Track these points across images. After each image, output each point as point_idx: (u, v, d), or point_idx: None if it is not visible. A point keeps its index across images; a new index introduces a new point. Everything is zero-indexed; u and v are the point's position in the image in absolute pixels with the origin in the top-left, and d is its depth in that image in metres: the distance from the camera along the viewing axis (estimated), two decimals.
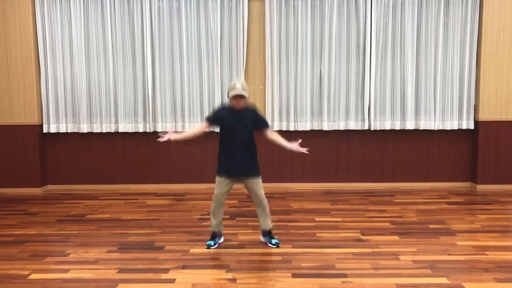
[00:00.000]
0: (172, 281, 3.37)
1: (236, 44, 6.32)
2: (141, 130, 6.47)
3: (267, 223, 4.14)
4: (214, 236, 4.16)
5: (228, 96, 3.93)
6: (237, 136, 4.02)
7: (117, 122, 6.48)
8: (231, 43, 6.34)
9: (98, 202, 5.83)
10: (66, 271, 3.59)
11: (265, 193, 6.14)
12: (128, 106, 6.45)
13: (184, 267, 3.62)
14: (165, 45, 6.34)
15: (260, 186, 4.14)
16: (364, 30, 6.27)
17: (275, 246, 4.07)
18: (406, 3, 6.22)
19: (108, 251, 4.02)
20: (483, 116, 6.26)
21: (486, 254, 3.86)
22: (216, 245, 4.11)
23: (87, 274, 3.52)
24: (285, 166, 6.55)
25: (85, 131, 6.49)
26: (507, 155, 6.30)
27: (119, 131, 6.48)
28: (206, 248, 4.06)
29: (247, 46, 6.33)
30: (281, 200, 5.83)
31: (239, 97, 3.86)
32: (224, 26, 6.31)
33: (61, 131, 6.49)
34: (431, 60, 6.29)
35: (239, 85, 3.83)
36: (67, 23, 6.35)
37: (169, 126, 6.43)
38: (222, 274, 3.48)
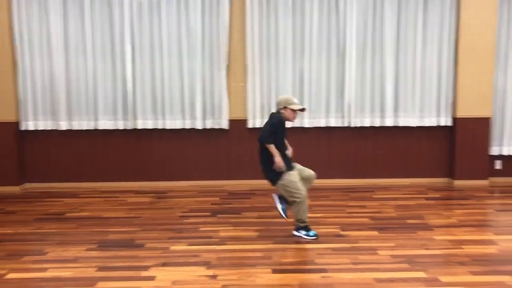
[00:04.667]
0: (152, 278, 3.36)
1: (217, 40, 6.31)
2: (121, 127, 6.41)
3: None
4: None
5: (283, 107, 4.16)
6: (283, 143, 4.26)
7: (97, 119, 6.41)
8: (212, 39, 6.32)
9: (78, 200, 5.77)
10: (45, 270, 3.55)
11: (248, 190, 6.21)
12: (108, 102, 6.39)
13: (164, 265, 3.61)
14: (145, 40, 6.29)
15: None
16: (344, 28, 6.32)
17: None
18: (386, 2, 6.28)
19: (88, 249, 3.98)
20: (461, 113, 6.37)
21: (462, 248, 3.94)
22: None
23: (66, 272, 3.49)
24: None
25: (64, 128, 6.40)
26: (483, 151, 6.43)
27: (99, 128, 6.42)
28: (316, 238, 4.11)
29: (228, 43, 6.32)
30: (262, 197, 5.85)
31: (302, 110, 4.22)
32: (205, 22, 6.29)
33: (39, 128, 6.39)
34: (410, 58, 6.38)
35: (297, 101, 4.22)
36: (44, 17, 6.24)
37: (149, 123, 6.40)
38: (203, 271, 3.49)
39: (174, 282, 3.29)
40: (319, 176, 6.59)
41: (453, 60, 6.39)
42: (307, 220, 4.19)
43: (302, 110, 4.24)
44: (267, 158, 4.15)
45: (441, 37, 6.36)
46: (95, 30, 6.27)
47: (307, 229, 4.21)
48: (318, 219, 4.83)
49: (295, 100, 4.19)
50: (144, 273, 3.46)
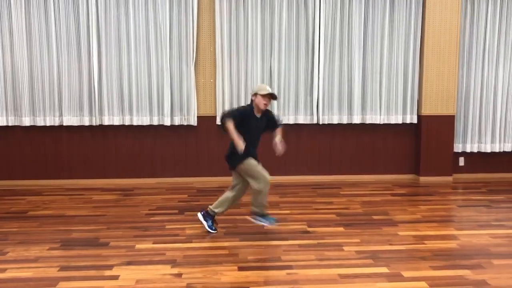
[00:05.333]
0: (115, 277, 3.31)
1: (185, 36, 6.24)
2: (87, 123, 6.27)
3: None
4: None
5: (255, 94, 4.09)
6: (252, 138, 4.17)
7: (62, 115, 6.25)
8: (180, 34, 6.25)
9: (41, 198, 5.62)
10: (3, 270, 3.43)
11: (217, 187, 6.18)
12: (73, 98, 6.24)
13: (128, 263, 3.56)
14: (112, 35, 6.17)
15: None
16: (313, 26, 6.36)
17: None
18: (353, 1, 6.34)
19: (50, 249, 3.88)
20: (426, 111, 6.51)
21: (424, 243, 4.03)
22: None
23: (26, 273, 3.39)
24: None
25: (28, 124, 6.22)
26: (447, 148, 6.60)
27: (64, 124, 6.26)
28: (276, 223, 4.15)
29: (196, 39, 6.26)
30: None
31: (272, 97, 4.10)
32: (173, 17, 6.21)
33: (1, 124, 6.19)
34: (377, 56, 6.47)
35: (270, 88, 4.10)
36: (6, 9, 6.03)
37: (116, 120, 6.28)
38: (168, 269, 3.45)
39: (137, 281, 3.24)
40: (287, 173, 6.66)
41: (419, 59, 6.52)
42: (265, 206, 4.20)
43: (272, 96, 4.12)
44: (231, 144, 4.11)
45: (407, 36, 6.47)
46: (60, 23, 6.10)
47: (266, 216, 4.21)
48: (285, 216, 4.85)
49: (267, 87, 4.11)
50: (107, 272, 3.39)
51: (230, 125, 3.96)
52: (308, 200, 5.56)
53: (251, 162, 4.13)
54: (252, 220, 4.24)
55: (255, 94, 4.12)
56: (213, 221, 4.33)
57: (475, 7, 6.52)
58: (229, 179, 6.46)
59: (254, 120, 4.15)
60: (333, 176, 6.69)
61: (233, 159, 4.17)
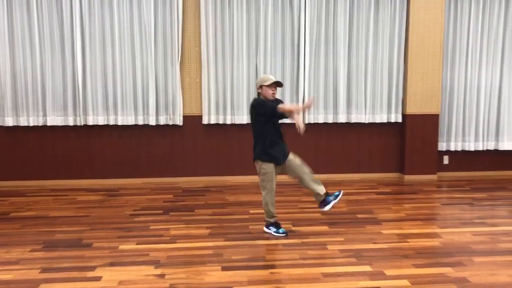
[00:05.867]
0: (98, 279, 3.28)
1: (170, 35, 6.21)
2: (71, 123, 6.22)
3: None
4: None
5: (260, 86, 4.07)
6: (276, 125, 4.15)
7: (45, 115, 6.19)
8: (165, 33, 6.21)
9: (25, 199, 5.56)
10: None
11: (203, 187, 6.17)
12: (57, 98, 6.18)
13: (111, 264, 3.54)
14: (96, 33, 6.11)
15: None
16: (298, 25, 6.37)
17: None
18: (339, 0, 6.37)
19: (32, 250, 3.84)
20: (410, 110, 6.56)
21: (407, 242, 4.07)
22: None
23: (7, 275, 3.35)
24: (222, 160, 6.54)
25: (11, 124, 6.15)
26: (432, 146, 6.66)
27: (48, 124, 6.20)
28: (285, 235, 4.11)
29: (182, 38, 6.24)
30: (217, 193, 5.83)
31: (278, 84, 4.06)
32: (158, 16, 6.17)
33: None
34: (362, 56, 6.50)
35: (273, 76, 4.09)
36: None
37: (100, 120, 6.23)
38: (151, 270, 3.44)
39: (120, 282, 3.22)
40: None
41: (403, 59, 6.56)
42: (275, 214, 4.23)
43: (278, 84, 4.10)
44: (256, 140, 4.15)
45: (392, 36, 6.51)
46: (43, 22, 6.04)
47: (277, 225, 4.23)
48: None
49: (270, 77, 4.08)
50: (90, 274, 3.37)
51: (282, 106, 3.94)
52: (293, 199, 5.57)
53: (267, 169, 4.12)
54: (265, 229, 4.32)
55: (260, 87, 4.09)
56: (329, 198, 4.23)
57: (458, 7, 6.58)
58: (215, 179, 6.50)
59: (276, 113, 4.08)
60: (319, 175, 6.67)
61: (255, 154, 4.18)
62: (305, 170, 4.21)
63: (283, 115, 4.05)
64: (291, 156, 4.23)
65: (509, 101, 6.78)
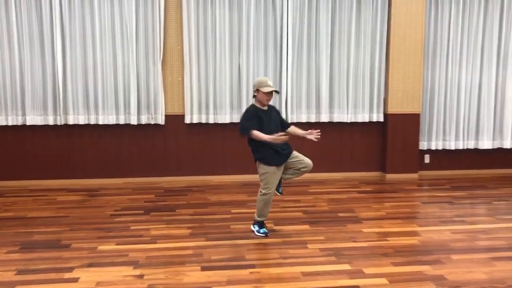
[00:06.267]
0: (75, 280, 3.24)
1: (152, 33, 6.16)
2: (51, 122, 6.13)
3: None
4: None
5: (257, 90, 4.03)
6: (270, 132, 4.01)
7: (25, 115, 6.10)
8: (147, 32, 6.17)
9: (3, 200, 5.47)
10: None
11: (185, 187, 6.14)
12: (37, 97, 6.09)
13: (90, 265, 3.50)
14: (76, 31, 6.04)
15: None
16: (281, 24, 6.37)
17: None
18: (321, 0, 6.41)
19: (8, 252, 3.78)
20: (392, 109, 6.62)
21: (387, 240, 4.10)
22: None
23: None
24: (205, 159, 6.52)
25: None
26: (413, 146, 6.72)
27: (27, 124, 6.11)
28: (265, 236, 4.11)
29: (164, 36, 6.19)
30: (199, 193, 5.80)
31: (273, 93, 4.06)
32: (139, 14, 6.12)
33: None
34: (344, 56, 6.53)
35: (271, 82, 4.05)
36: None
37: (81, 119, 6.16)
38: (129, 270, 3.41)
39: (98, 283, 3.19)
40: (256, 171, 6.63)
41: (385, 59, 6.61)
42: (266, 216, 4.21)
43: (276, 92, 4.13)
44: (253, 141, 4.09)
45: (374, 36, 6.55)
46: (22, 20, 5.94)
47: (261, 225, 4.23)
48: (252, 214, 4.82)
49: (269, 82, 4.04)
50: (67, 275, 3.32)
51: (257, 134, 3.93)
52: (276, 198, 5.47)
53: (266, 170, 4.09)
54: (251, 227, 4.34)
55: (257, 90, 4.06)
56: None
57: (439, 8, 6.65)
58: (197, 179, 6.47)
59: (264, 115, 4.08)
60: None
61: (256, 156, 4.16)
62: (307, 163, 4.22)
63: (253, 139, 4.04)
64: (295, 154, 4.21)
65: (488, 100, 6.88)
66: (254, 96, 4.15)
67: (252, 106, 4.16)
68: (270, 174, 4.08)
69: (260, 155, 4.10)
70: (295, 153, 4.21)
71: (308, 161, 4.21)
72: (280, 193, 4.32)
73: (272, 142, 3.91)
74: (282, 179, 4.29)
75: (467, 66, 6.78)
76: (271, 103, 4.23)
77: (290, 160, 4.16)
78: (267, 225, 4.41)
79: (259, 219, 4.23)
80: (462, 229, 4.43)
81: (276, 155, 4.07)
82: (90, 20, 6.05)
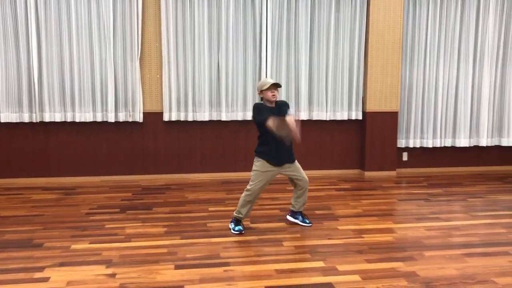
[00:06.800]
0: (45, 280, 3.19)
1: (130, 29, 6.10)
2: (26, 120, 6.03)
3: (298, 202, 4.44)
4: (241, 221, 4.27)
5: (260, 91, 4.09)
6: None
7: None
8: (124, 28, 6.09)
9: None
10: None
11: (163, 185, 6.10)
12: (11, 94, 5.97)
13: (61, 265, 3.44)
14: (52, 26, 5.94)
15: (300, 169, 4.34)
16: (260, 21, 6.36)
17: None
18: None
19: None
20: (370, 108, 6.66)
21: (362, 237, 4.13)
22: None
23: None
24: (184, 157, 6.48)
25: None
26: (391, 143, 6.78)
27: (1, 121, 5.99)
28: (238, 233, 4.12)
29: (141, 33, 6.13)
30: (177, 191, 5.76)
31: (277, 86, 4.05)
32: (117, 10, 6.04)
33: None
34: (323, 54, 6.55)
35: (271, 79, 4.13)
36: None
37: (57, 116, 6.07)
38: (102, 269, 3.37)
39: (69, 283, 3.14)
40: (236, 169, 6.66)
41: (363, 57, 6.65)
42: (244, 215, 4.20)
43: (276, 85, 4.08)
44: (261, 137, 4.18)
45: (352, 35, 6.59)
46: None
47: (237, 223, 4.22)
48: (230, 213, 4.81)
49: (268, 80, 4.08)
50: (37, 275, 3.27)
51: (270, 122, 3.83)
52: None
53: (257, 168, 4.16)
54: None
55: (261, 92, 4.10)
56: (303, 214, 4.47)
57: (416, 7, 6.71)
58: (176, 177, 6.43)
59: (271, 112, 4.04)
60: None
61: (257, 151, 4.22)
62: (305, 178, 4.33)
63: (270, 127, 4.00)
64: (295, 164, 4.28)
65: (465, 99, 6.97)
66: (261, 99, 4.20)
67: (260, 103, 4.20)
68: (260, 172, 4.13)
69: (261, 149, 4.17)
70: (297, 165, 4.28)
71: (305, 180, 4.32)
72: (308, 223, 4.42)
73: (273, 124, 3.84)
74: (299, 211, 4.45)
75: (444, 64, 6.86)
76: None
77: (289, 171, 4.24)
78: (244, 222, 4.40)
79: (236, 215, 4.23)
80: (436, 225, 4.48)
81: (276, 155, 4.12)
82: (67, 15, 5.96)
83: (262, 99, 4.20)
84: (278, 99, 4.16)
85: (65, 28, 5.97)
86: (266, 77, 6.42)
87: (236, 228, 4.19)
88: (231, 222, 4.31)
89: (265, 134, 4.05)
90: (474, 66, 6.94)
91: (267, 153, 4.14)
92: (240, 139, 6.61)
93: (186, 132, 6.44)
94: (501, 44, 6.93)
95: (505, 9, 6.86)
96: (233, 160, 6.66)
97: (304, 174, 4.31)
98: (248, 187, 4.19)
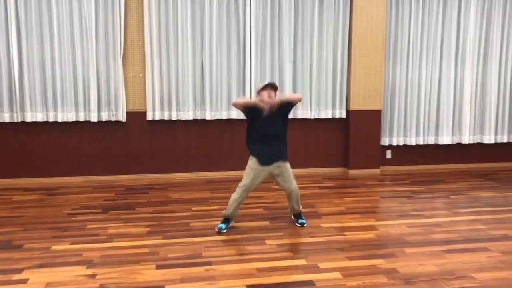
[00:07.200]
0: (24, 281, 3.15)
1: (112, 28, 6.04)
2: (7, 120, 5.95)
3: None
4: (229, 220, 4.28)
5: (257, 93, 4.18)
6: (264, 126, 4.19)
7: None
8: (107, 26, 6.04)
9: None
10: None
11: (147, 185, 6.07)
12: None
13: (41, 266, 3.41)
14: (33, 24, 5.85)
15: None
16: (244, 21, 6.35)
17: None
18: None
19: None
20: (354, 106, 6.70)
21: (344, 235, 4.15)
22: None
23: None
24: (168, 157, 6.45)
25: None
26: (375, 141, 6.82)
27: None
28: (219, 232, 4.14)
29: (124, 31, 6.09)
30: (161, 191, 5.74)
31: (270, 87, 4.08)
32: (99, 7, 5.98)
33: None
34: (307, 53, 6.57)
35: (268, 81, 4.26)
36: None
37: (39, 116, 6.00)
38: (82, 270, 3.34)
39: (47, 284, 3.11)
40: (220, 168, 6.65)
41: (347, 56, 6.68)
42: (230, 212, 4.23)
43: (270, 86, 4.12)
44: (247, 138, 4.29)
45: (336, 33, 6.61)
46: None
47: (223, 220, 4.26)
48: (213, 212, 4.83)
49: (265, 82, 4.21)
50: (16, 276, 3.23)
51: (236, 100, 4.22)
52: None
53: (249, 165, 4.21)
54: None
55: (258, 93, 4.19)
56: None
57: (399, 6, 6.76)
58: (160, 176, 6.40)
59: (261, 115, 4.12)
60: None
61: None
62: (294, 188, 4.29)
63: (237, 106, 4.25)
64: (286, 168, 4.25)
65: (448, 97, 7.04)
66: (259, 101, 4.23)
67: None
68: (250, 169, 4.18)
69: (250, 147, 4.26)
70: (287, 167, 4.26)
71: (293, 186, 4.26)
72: (302, 224, 4.41)
73: (245, 102, 4.13)
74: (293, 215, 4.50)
75: (427, 63, 6.92)
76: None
77: (277, 175, 4.22)
78: None
79: (224, 212, 4.29)
80: (418, 222, 4.52)
81: (263, 153, 4.15)
82: (48, 14, 5.88)
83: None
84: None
85: (46, 26, 5.90)
86: (250, 76, 6.42)
87: (219, 226, 4.22)
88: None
89: (250, 129, 4.19)
90: (456, 65, 7.02)
91: (253, 151, 4.22)
92: (224, 139, 6.60)
93: (170, 132, 6.42)
94: (482, 42, 7.02)
95: (485, 7, 6.95)
96: (217, 160, 6.64)
97: (291, 184, 4.25)
98: (240, 184, 4.25)
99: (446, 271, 3.37)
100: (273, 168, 4.18)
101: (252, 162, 4.19)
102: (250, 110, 4.15)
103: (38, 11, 5.86)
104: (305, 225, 4.36)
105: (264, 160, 4.16)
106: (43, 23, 5.89)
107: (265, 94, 4.10)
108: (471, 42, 6.96)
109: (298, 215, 4.44)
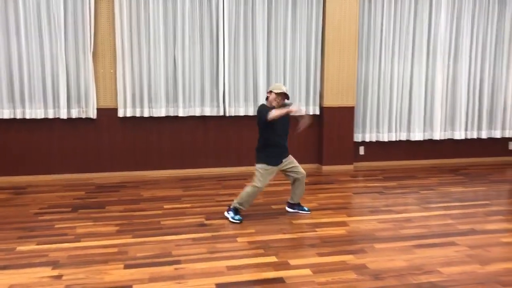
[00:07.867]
0: None
1: (82, 21, 5.91)
2: None
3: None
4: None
5: (270, 91, 4.33)
6: (276, 129, 4.39)
7: None
8: (76, 20, 5.90)
9: None
10: None
11: (118, 183, 5.97)
12: None
13: (4, 268, 3.31)
14: None
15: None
16: (216, 15, 6.30)
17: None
18: None
19: None
20: (327, 103, 6.73)
21: (316, 231, 4.16)
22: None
23: None
24: (140, 154, 6.36)
25: None
26: (348, 138, 6.87)
27: None
28: (239, 222, 4.31)
29: (94, 26, 5.96)
30: (132, 189, 5.65)
31: (284, 95, 4.30)
32: (67, 2, 5.85)
33: None
34: (280, 50, 6.56)
35: (285, 88, 4.34)
36: None
37: (6, 113, 5.83)
38: (48, 271, 3.26)
39: (11, 286, 3.02)
40: (194, 166, 6.59)
41: (320, 53, 6.70)
42: (244, 207, 4.42)
43: (286, 96, 4.32)
44: (260, 144, 4.46)
45: (309, 30, 6.62)
46: None
47: (236, 212, 4.41)
48: (185, 209, 4.79)
49: (282, 87, 4.31)
50: None
51: (272, 112, 4.12)
52: (211, 192, 5.53)
53: (264, 167, 4.38)
54: (225, 213, 4.51)
55: (270, 92, 4.33)
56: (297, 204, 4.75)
57: (372, 3, 6.81)
58: (132, 174, 6.30)
59: (279, 120, 4.28)
60: (241, 167, 6.72)
61: (257, 159, 4.45)
62: (302, 172, 4.60)
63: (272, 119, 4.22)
64: (291, 159, 4.57)
65: (419, 93, 7.14)
66: (266, 98, 4.40)
67: (263, 105, 4.39)
68: (269, 171, 4.39)
69: (265, 154, 4.41)
70: (291, 158, 4.56)
71: (302, 170, 4.60)
72: (307, 210, 4.73)
73: (289, 112, 4.13)
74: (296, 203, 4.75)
75: (399, 59, 7.00)
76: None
77: (286, 166, 4.50)
78: (198, 219, 4.38)
79: (238, 206, 4.40)
80: (389, 218, 4.57)
81: (279, 155, 4.44)
82: (13, 5, 5.71)
83: (267, 98, 4.40)
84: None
85: (12, 21, 5.73)
86: (224, 72, 6.37)
87: (237, 217, 4.38)
88: (228, 211, 4.45)
89: (265, 135, 4.37)
90: (428, 61, 7.12)
91: (272, 157, 4.41)
92: (198, 135, 6.55)
93: (142, 129, 6.33)
94: (453, 39, 7.13)
95: (456, 4, 7.06)
96: (191, 157, 6.58)
97: (300, 167, 4.59)
98: (255, 184, 4.37)
99: (415, 266, 3.41)
100: (284, 164, 4.49)
101: (266, 164, 4.38)
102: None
103: (3, 2, 5.68)
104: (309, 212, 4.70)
105: (280, 159, 4.46)
106: (9, 17, 5.72)
107: (276, 99, 4.30)
108: (442, 39, 7.07)
109: (299, 204, 4.74)
